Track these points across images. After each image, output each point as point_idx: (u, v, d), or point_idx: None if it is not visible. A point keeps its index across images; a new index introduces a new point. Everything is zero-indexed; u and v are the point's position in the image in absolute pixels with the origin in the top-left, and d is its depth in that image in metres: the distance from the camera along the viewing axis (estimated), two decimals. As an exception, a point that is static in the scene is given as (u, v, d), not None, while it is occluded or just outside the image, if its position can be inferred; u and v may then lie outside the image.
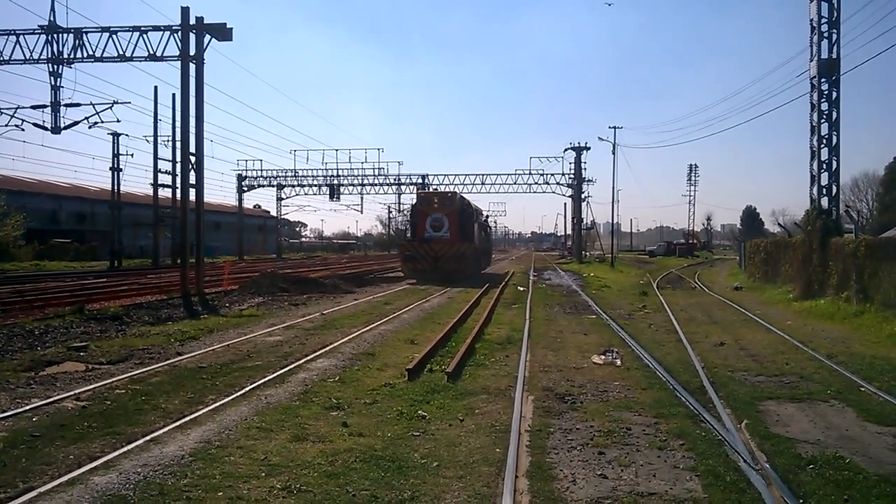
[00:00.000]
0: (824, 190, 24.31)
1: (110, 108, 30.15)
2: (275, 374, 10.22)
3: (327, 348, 12.71)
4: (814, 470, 6.24)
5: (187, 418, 7.75)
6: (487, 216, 60.10)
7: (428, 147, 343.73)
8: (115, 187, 48.00)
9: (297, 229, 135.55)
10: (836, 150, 23.94)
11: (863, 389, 9.67)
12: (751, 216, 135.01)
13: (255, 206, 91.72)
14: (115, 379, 9.92)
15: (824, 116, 23.83)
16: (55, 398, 8.71)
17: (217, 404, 8.40)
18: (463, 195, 40.54)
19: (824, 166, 24.17)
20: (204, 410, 8.11)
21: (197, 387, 9.48)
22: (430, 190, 50.26)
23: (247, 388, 9.27)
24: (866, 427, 7.82)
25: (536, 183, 67.44)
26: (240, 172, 69.26)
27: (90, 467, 6.10)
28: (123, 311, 18.56)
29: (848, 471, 6.20)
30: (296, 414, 8.06)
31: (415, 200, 38.04)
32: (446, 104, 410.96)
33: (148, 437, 6.99)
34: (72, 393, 9.00)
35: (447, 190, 51.09)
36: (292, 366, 10.96)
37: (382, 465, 6.28)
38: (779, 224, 56.11)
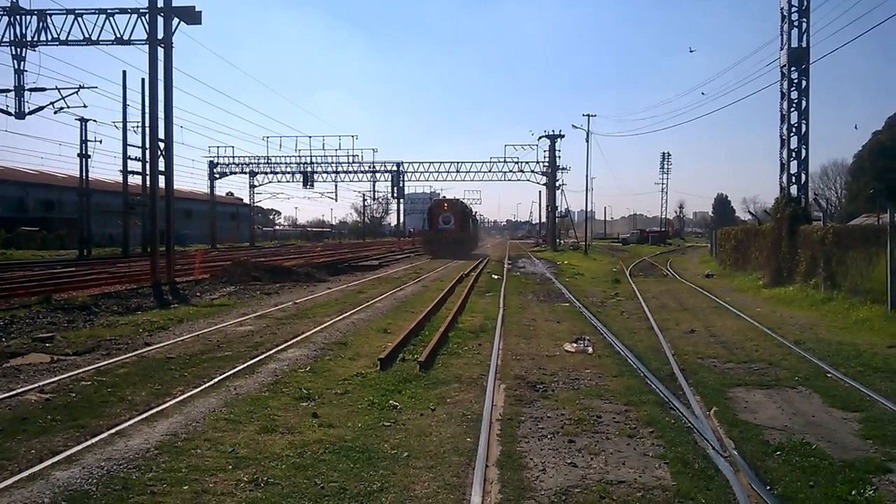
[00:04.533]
0: (793, 178, 24.62)
1: (76, 92, 29.62)
2: (245, 365, 10.10)
3: (299, 338, 12.60)
4: (781, 456, 6.31)
5: (154, 410, 7.63)
6: (476, 213, 78.88)
7: (403, 134, 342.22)
8: (84, 174, 47.06)
9: (271, 217, 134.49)
10: (805, 138, 24.22)
11: (829, 376, 9.81)
12: (722, 204, 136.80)
13: (227, 194, 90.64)
14: (80, 370, 9.73)
15: (794, 105, 24.09)
16: (18, 391, 8.51)
17: (185, 396, 8.28)
18: (462, 200, 61.13)
19: (794, 154, 24.46)
20: (171, 402, 7.99)
21: (165, 378, 9.34)
22: (440, 196, 68.45)
23: (216, 380, 9.15)
24: (832, 413, 7.93)
25: (511, 171, 67.82)
26: (211, 159, 68.39)
27: (52, 462, 5.97)
28: (92, 301, 18.25)
29: (814, 457, 6.27)
30: (265, 405, 7.97)
31: (431, 204, 57.15)
32: (422, 92, 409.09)
33: (113, 430, 6.87)
34: (36, 385, 8.81)
35: (454, 197, 68.05)
36: (263, 356, 10.84)
37: (352, 457, 6.23)
38: (749, 212, 56.78)
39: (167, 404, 7.90)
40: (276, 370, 9.88)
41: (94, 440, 6.56)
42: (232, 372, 9.63)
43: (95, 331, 13.60)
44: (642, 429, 7.18)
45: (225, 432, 6.91)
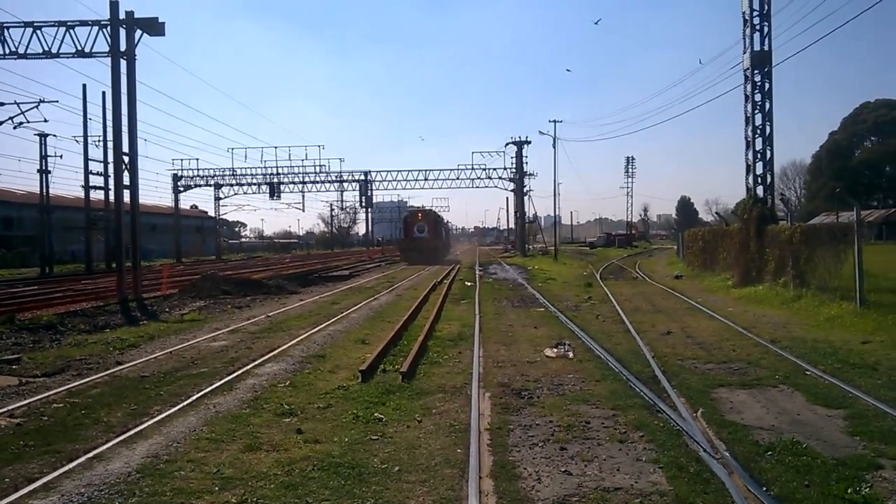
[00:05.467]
0: (759, 179, 24.98)
1: (36, 107, 29.10)
2: (222, 381, 9.84)
3: (276, 352, 12.36)
4: (773, 457, 6.30)
5: (132, 432, 7.38)
6: (447, 221, 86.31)
7: (370, 143, 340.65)
8: (44, 190, 46.03)
9: (237, 229, 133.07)
10: (769, 139, 24.62)
11: (808, 373, 9.90)
12: (685, 206, 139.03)
13: (192, 207, 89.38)
14: (51, 392, 9.41)
15: (758, 107, 24.47)
16: (-14, 416, 8.19)
17: (163, 415, 8.03)
18: (435, 210, 69.28)
19: (759, 156, 24.84)
20: (149, 422, 7.74)
21: (140, 397, 9.07)
22: (413, 206, 73.22)
23: (193, 397, 8.90)
24: (816, 411, 7.98)
25: (479, 178, 67.96)
26: (175, 172, 67.41)
27: (28, 490, 5.72)
28: (58, 320, 17.75)
29: (806, 456, 6.28)
30: (247, 422, 7.76)
31: (406, 215, 62.17)
32: (389, 99, 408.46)
33: (90, 454, 6.61)
34: (5, 410, 8.48)
35: (421, 205, 79.34)
36: (240, 371, 10.59)
37: (342, 473, 6.07)
38: (716, 213, 57.74)
39: (145, 425, 7.65)
40: (254, 386, 9.66)
41: (71, 465, 6.31)
42: (210, 389, 9.37)
43: (64, 350, 13.21)
44: (632, 433, 7.14)
45: (208, 452, 6.70)
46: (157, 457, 6.54)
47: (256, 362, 11.38)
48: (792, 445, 6.58)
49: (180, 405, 8.51)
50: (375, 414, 8.04)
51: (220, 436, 7.23)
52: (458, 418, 7.86)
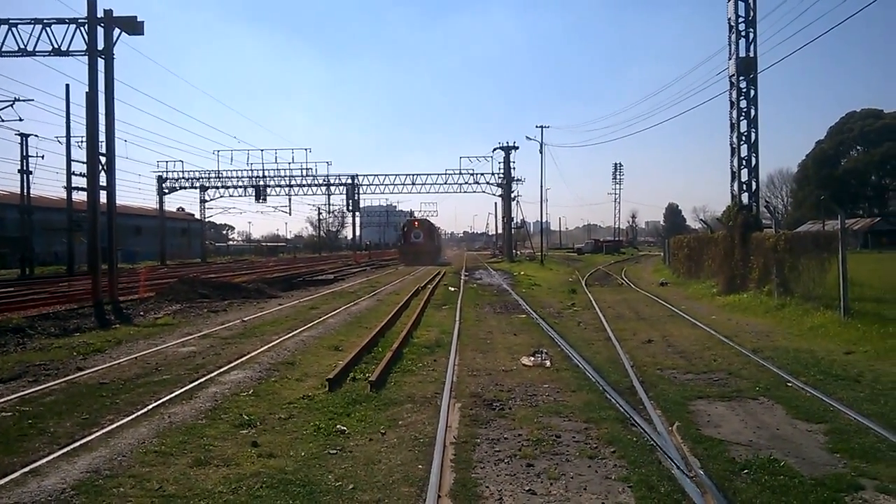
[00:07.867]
0: (744, 186, 24.80)
1: (11, 105, 28.39)
2: (183, 390, 9.44)
3: (244, 358, 11.96)
4: (749, 475, 5.98)
5: (77, 444, 6.98)
6: (439, 228, 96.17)
7: (357, 147, 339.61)
8: (25, 191, 45.40)
9: (224, 232, 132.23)
10: (755, 146, 24.45)
11: (790, 385, 9.61)
12: (673, 213, 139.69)
13: (178, 209, 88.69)
14: (1, 400, 8.98)
15: (743, 114, 24.31)
16: (-73, 426, 7.76)
17: (113, 426, 7.63)
18: (428, 219, 79.35)
19: (744, 163, 24.66)
20: (98, 433, 7.34)
21: (94, 406, 8.66)
22: (404, 212, 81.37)
23: (149, 407, 8.50)
24: (796, 425, 7.67)
25: (467, 182, 67.78)
26: (160, 174, 66.83)
27: (-49, 509, 5.33)
28: (27, 323, 17.28)
29: (783, 475, 5.95)
30: (201, 434, 7.37)
31: (404, 223, 71.19)
32: (377, 105, 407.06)
33: (26, 469, 6.21)
34: (-52, 418, 8.06)
35: (410, 210, 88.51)
36: (203, 379, 10.19)
37: (291, 491, 5.70)
38: (701, 220, 57.79)
39: (93, 436, 7.25)
40: (216, 394, 9.26)
41: (2, 481, 5.90)
42: (168, 398, 8.97)
43: (26, 355, 12.76)
44: (603, 448, 6.80)
45: (153, 467, 6.31)
46: (97, 472, 6.15)
47: (222, 369, 10.98)
48: (769, 463, 6.26)
49: (134, 415, 8.11)
50: (338, 426, 7.68)
51: (169, 449, 6.84)
52: (424, 431, 7.51)
